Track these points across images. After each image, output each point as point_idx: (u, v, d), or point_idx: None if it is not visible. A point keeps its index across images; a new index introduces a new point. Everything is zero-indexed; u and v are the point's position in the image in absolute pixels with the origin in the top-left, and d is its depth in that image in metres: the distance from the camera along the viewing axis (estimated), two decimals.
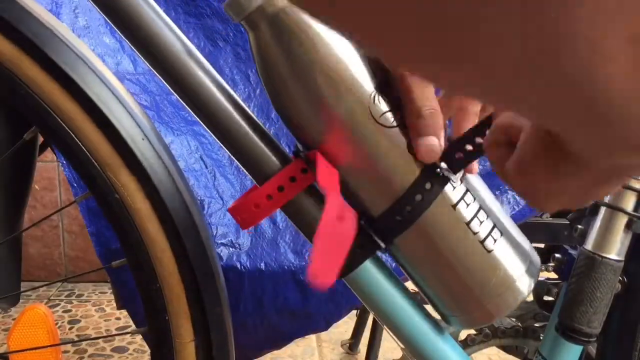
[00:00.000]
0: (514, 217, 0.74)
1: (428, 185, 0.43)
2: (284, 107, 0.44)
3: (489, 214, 0.47)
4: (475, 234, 0.46)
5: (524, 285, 0.48)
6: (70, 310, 1.53)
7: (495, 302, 0.48)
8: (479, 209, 0.46)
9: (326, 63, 0.41)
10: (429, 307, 0.52)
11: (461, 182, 0.46)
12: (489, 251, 0.46)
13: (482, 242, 0.46)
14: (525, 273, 0.48)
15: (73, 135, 0.48)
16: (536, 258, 0.51)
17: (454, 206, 0.45)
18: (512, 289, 0.48)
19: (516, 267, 0.48)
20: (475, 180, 0.48)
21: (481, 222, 0.46)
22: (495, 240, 0.46)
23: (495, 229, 0.47)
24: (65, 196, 1.66)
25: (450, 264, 0.46)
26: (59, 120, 0.47)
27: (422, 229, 0.45)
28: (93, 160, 0.48)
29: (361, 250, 0.46)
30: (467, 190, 0.46)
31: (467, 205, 0.45)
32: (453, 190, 0.45)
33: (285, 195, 0.45)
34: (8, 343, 0.77)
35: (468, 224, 0.45)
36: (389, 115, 0.42)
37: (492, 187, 0.74)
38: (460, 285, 0.47)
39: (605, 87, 0.17)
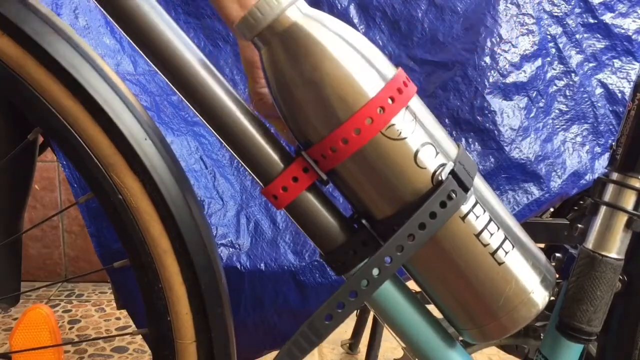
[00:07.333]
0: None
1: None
2: (293, 117, 0.44)
3: (501, 225, 0.46)
4: (485, 245, 0.45)
5: (539, 298, 0.48)
6: (70, 310, 1.53)
7: (509, 315, 0.47)
8: (489, 221, 0.45)
9: (334, 77, 0.41)
10: (432, 309, 0.52)
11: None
12: (500, 263, 0.46)
13: (493, 254, 0.46)
14: (540, 285, 0.48)
15: (76, 136, 0.48)
16: (552, 271, 0.50)
17: (463, 218, 0.45)
18: (526, 302, 0.47)
19: (530, 280, 0.47)
20: (486, 191, 0.48)
21: (491, 234, 0.45)
22: (506, 253, 0.46)
23: (507, 241, 0.46)
24: (65, 196, 1.66)
25: (460, 276, 0.46)
26: (63, 120, 0.48)
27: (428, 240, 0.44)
28: (96, 161, 0.48)
29: (363, 248, 0.46)
30: (477, 202, 0.45)
31: (477, 217, 0.45)
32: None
33: (289, 195, 0.45)
34: (10, 343, 0.77)
35: (477, 235, 0.45)
36: (396, 127, 0.43)
37: (492, 187, 0.74)
38: (472, 297, 0.47)
39: None
